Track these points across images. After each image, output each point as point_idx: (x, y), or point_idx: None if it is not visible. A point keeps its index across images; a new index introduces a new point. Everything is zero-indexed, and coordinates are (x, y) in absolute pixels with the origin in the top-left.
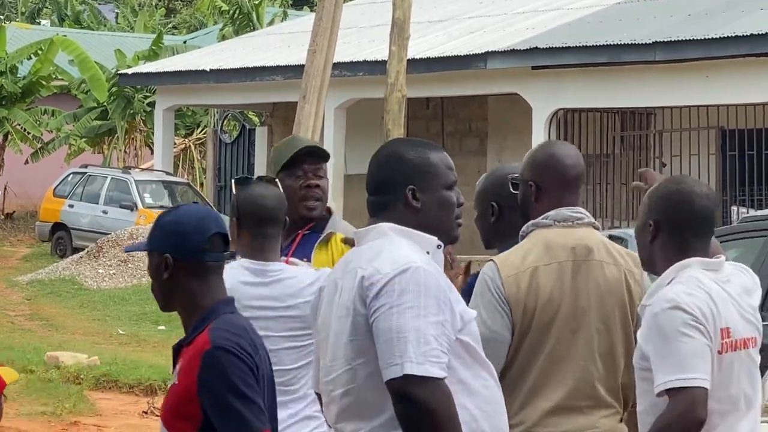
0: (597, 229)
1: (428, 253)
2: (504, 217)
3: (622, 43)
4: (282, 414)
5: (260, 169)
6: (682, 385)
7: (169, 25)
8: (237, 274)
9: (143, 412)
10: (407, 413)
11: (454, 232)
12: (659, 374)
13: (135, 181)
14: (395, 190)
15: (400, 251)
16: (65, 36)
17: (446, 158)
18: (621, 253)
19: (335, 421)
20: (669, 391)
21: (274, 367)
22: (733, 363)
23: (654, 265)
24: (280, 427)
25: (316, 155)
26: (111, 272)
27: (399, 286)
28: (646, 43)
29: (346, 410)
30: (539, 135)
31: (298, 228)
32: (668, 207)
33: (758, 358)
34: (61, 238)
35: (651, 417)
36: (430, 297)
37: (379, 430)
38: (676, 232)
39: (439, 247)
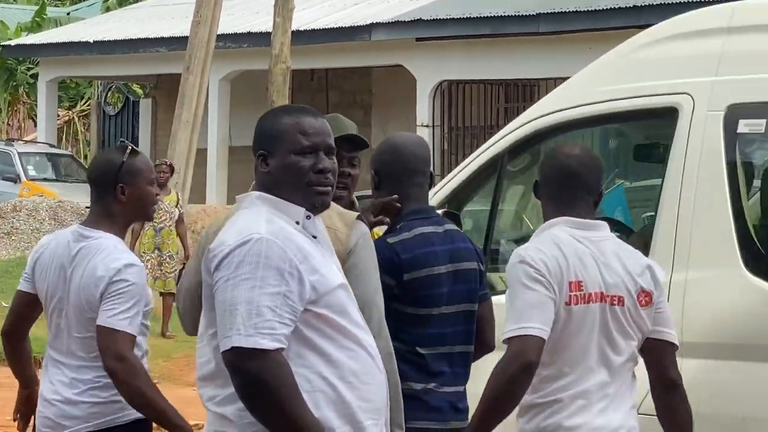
0: None
1: (298, 222)
2: (384, 186)
3: (506, 14)
4: (81, 376)
5: (144, 140)
6: (515, 334)
7: None
8: (66, 235)
9: None
10: (239, 385)
11: (311, 199)
12: (505, 325)
13: (18, 153)
14: (255, 157)
15: (250, 222)
16: None
17: (305, 123)
18: (330, 214)
19: (199, 387)
20: (506, 341)
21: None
22: (585, 315)
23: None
24: (80, 389)
25: (355, 143)
26: None
27: (237, 258)
28: (529, 15)
29: (206, 378)
30: (423, 106)
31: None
32: (542, 168)
33: (625, 319)
34: None
35: None
36: (270, 268)
37: (231, 398)
38: (547, 189)
39: (308, 217)
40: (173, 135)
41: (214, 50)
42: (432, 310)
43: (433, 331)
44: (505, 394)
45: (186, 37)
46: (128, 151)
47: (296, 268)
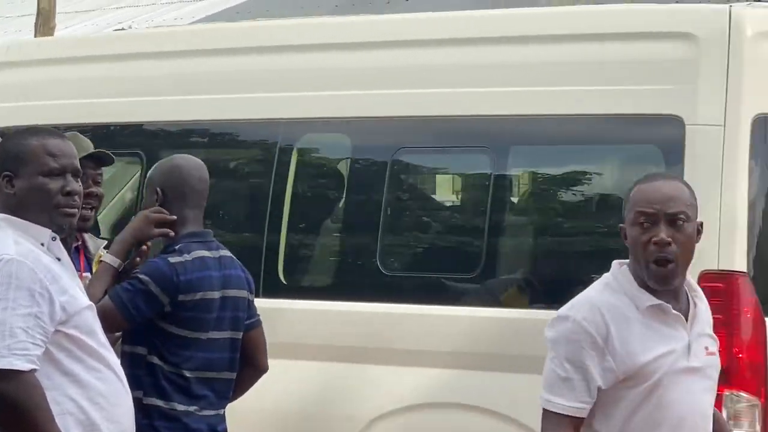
0: None
1: (43, 244)
2: (168, 205)
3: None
4: None
5: None
6: None
7: None
8: None
9: None
10: None
11: (57, 220)
12: None
13: None
14: None
15: None
16: None
17: (53, 145)
18: None
19: None
20: None
21: None
22: None
23: None
24: None
25: (101, 160)
26: None
27: None
28: None
29: None
30: None
31: (67, 235)
32: None
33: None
34: None
35: None
36: (22, 289)
37: None
38: None
39: (54, 238)
40: None
41: None
42: (201, 334)
43: (200, 355)
44: None
45: None
46: None
47: (46, 289)
